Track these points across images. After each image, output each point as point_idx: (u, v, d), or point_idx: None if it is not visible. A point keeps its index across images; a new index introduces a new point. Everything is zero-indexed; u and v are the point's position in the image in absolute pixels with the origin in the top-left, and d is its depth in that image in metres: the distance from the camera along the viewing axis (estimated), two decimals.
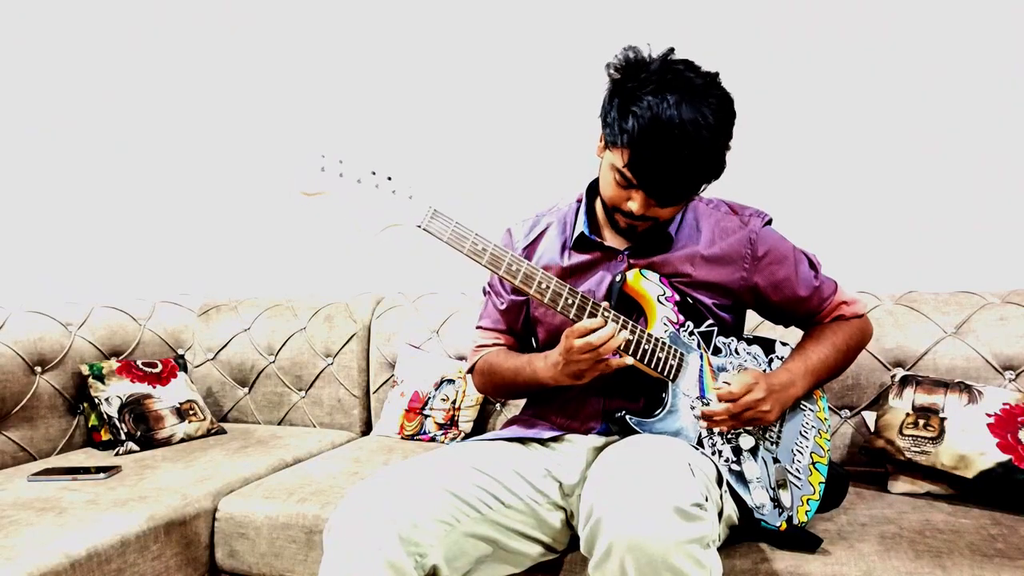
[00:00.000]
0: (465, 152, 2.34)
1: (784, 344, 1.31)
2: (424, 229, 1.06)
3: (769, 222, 1.28)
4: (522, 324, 1.35)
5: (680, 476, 0.93)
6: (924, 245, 1.92)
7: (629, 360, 1.11)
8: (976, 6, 1.86)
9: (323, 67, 2.48)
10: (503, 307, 1.35)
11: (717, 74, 1.10)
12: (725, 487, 1.11)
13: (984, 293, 1.70)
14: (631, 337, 1.11)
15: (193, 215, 2.67)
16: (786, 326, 1.38)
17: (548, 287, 1.09)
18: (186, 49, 2.62)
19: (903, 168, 1.94)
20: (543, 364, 1.18)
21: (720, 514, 1.07)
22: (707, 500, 0.94)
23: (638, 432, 1.11)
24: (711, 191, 1.19)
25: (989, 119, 1.87)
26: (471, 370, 1.38)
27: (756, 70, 2.02)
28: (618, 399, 1.21)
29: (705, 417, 1.15)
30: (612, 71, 1.10)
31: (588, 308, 1.10)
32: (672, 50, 1.10)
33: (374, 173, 1.05)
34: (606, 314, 1.10)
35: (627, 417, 1.12)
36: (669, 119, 1.02)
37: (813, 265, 1.30)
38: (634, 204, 1.12)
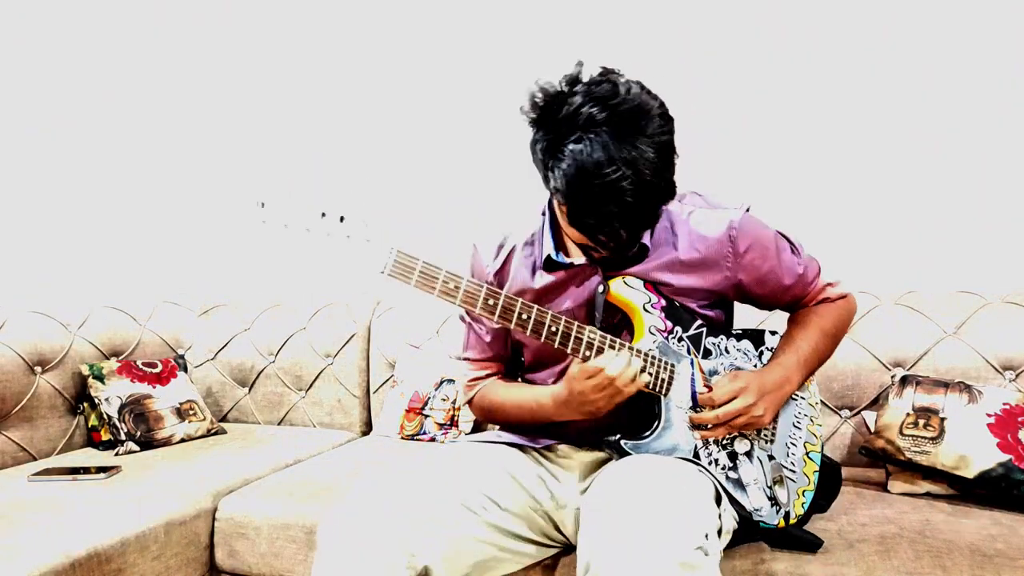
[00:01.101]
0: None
1: (773, 333, 1.27)
2: (388, 275, 0.95)
3: (746, 210, 1.19)
4: (510, 348, 1.30)
5: (680, 519, 0.90)
6: (924, 245, 1.92)
7: (645, 380, 1.06)
8: (976, 6, 1.86)
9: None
10: (488, 337, 1.28)
11: (639, 83, 0.97)
12: (725, 503, 1.09)
13: (984, 293, 1.70)
14: (645, 369, 1.07)
15: (193, 215, 2.67)
16: (770, 310, 1.34)
17: (529, 318, 1.03)
18: (186, 50, 2.62)
19: (903, 168, 1.94)
20: (553, 404, 1.13)
21: (719, 531, 1.04)
22: (707, 537, 0.92)
23: (633, 454, 1.09)
24: (684, 184, 1.08)
25: (989, 119, 1.87)
26: (469, 403, 1.33)
27: (756, 70, 2.02)
28: (610, 416, 1.14)
29: (696, 426, 1.12)
30: (528, 115, 0.98)
31: (572, 334, 1.05)
32: (581, 65, 0.97)
33: (324, 215, 0.92)
34: (591, 336, 1.06)
35: (622, 443, 1.09)
36: (597, 165, 0.90)
37: (795, 249, 1.24)
38: (611, 238, 1.00)
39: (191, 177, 2.65)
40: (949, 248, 1.90)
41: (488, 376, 1.31)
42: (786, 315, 1.32)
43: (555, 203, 1.05)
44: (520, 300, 1.03)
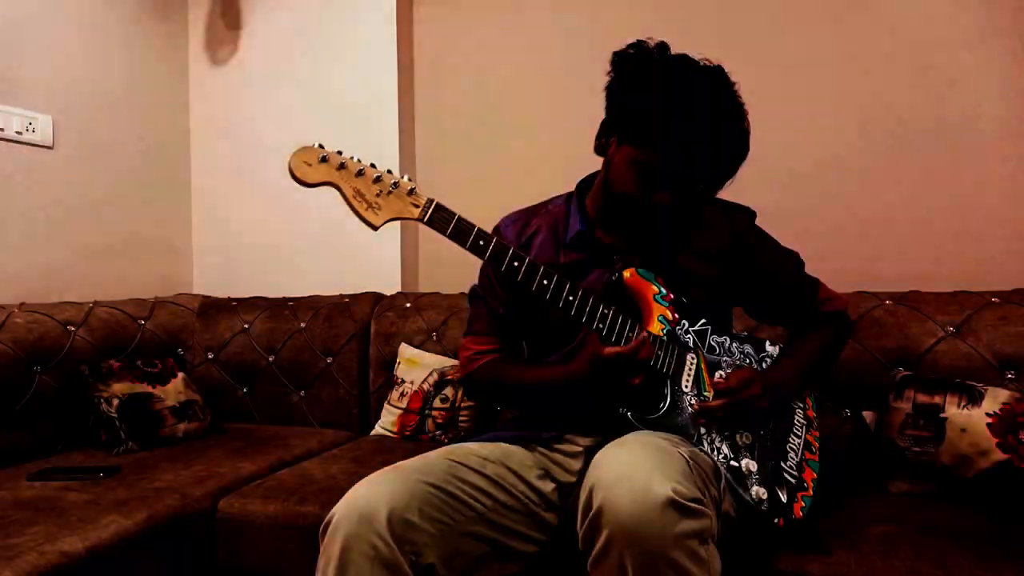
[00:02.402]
0: (459, 147, 2.33)
1: (773, 344, 1.32)
2: (426, 223, 1.04)
3: (753, 216, 1.30)
4: (517, 328, 1.34)
5: (679, 471, 0.93)
6: (924, 245, 1.92)
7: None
8: (976, 6, 1.86)
9: (320, 59, 2.48)
10: (501, 310, 1.32)
11: (721, 67, 1.11)
12: (724, 483, 1.11)
13: (984, 293, 1.70)
14: (630, 335, 1.12)
15: (193, 214, 2.67)
16: (771, 324, 1.39)
17: (549, 284, 1.08)
18: (186, 44, 2.61)
19: (904, 168, 1.94)
20: (565, 378, 1.18)
21: (719, 510, 1.07)
22: (705, 495, 0.95)
23: (639, 429, 1.11)
24: None
25: (989, 119, 1.87)
26: (468, 378, 1.35)
27: (756, 69, 2.01)
28: (618, 399, 1.19)
29: (703, 412, 1.15)
30: (623, 67, 1.10)
31: (588, 305, 1.10)
32: (667, 45, 1.11)
33: (373, 166, 1.03)
34: (604, 312, 1.10)
35: (629, 414, 1.12)
36: (706, 112, 1.03)
37: (798, 262, 1.32)
38: (663, 197, 1.11)
39: (191, 176, 2.65)
40: (949, 247, 1.90)
41: (491, 351, 1.33)
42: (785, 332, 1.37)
43: (627, 158, 1.11)
44: (543, 266, 1.09)
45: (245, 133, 2.61)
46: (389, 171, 1.03)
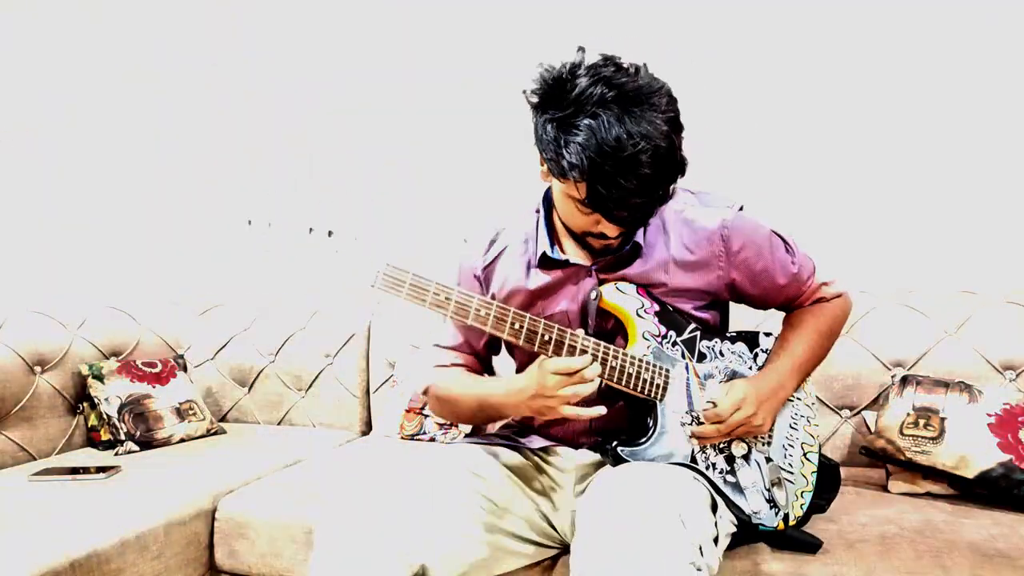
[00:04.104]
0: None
1: (768, 335, 1.26)
2: (378, 288, 0.95)
3: (739, 208, 1.19)
4: (485, 344, 1.29)
5: (672, 540, 0.89)
6: (924, 245, 1.92)
7: (602, 411, 1.03)
8: (976, 4, 1.86)
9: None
10: (468, 329, 1.24)
11: (644, 65, 1.00)
12: (722, 509, 1.08)
13: (984, 293, 1.70)
14: (613, 364, 1.06)
15: (192, 215, 2.67)
16: (765, 309, 1.33)
17: (522, 327, 1.02)
18: (186, 51, 2.62)
19: (903, 167, 1.94)
20: (505, 390, 1.11)
21: (717, 539, 1.03)
22: (701, 549, 0.91)
23: (629, 461, 1.08)
24: (680, 181, 1.09)
25: (989, 118, 1.87)
26: (425, 391, 1.29)
27: (755, 67, 2.02)
28: (606, 421, 1.12)
29: (696, 437, 1.11)
30: (533, 97, 1.01)
31: (566, 342, 1.03)
32: (583, 51, 1.00)
33: (312, 230, 0.94)
34: (584, 344, 1.04)
35: (619, 450, 1.08)
36: (617, 140, 0.93)
37: (789, 248, 1.22)
38: (607, 228, 1.05)
39: (191, 177, 2.65)
40: (949, 248, 1.90)
41: (453, 366, 1.28)
42: (781, 315, 1.32)
43: (560, 189, 1.04)
44: (512, 309, 1.02)
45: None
46: (330, 233, 0.95)
